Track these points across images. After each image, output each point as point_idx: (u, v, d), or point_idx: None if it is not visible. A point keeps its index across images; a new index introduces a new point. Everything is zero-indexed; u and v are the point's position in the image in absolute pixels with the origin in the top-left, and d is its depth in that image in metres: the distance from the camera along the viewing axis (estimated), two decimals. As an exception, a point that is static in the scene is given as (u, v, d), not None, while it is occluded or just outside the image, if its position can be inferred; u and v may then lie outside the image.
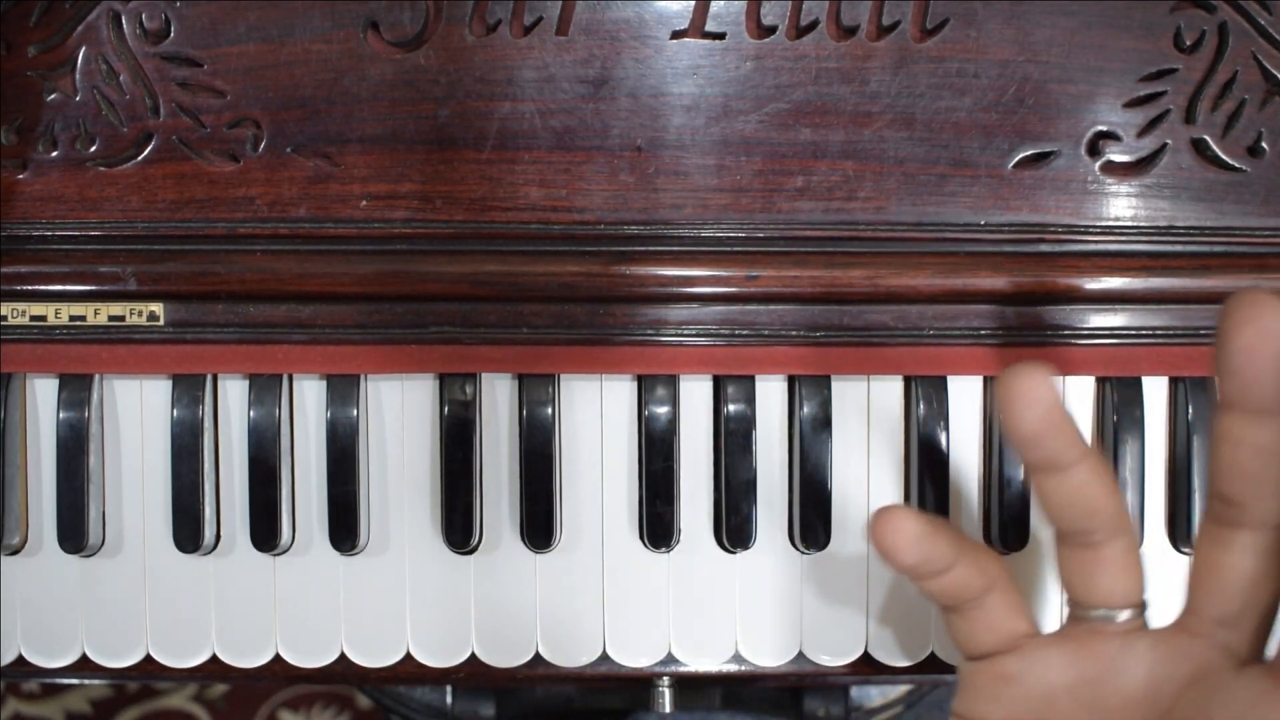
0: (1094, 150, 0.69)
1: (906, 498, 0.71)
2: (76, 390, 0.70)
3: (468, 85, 0.68)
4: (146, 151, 0.69)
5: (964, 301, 0.69)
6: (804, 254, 0.69)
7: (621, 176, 0.69)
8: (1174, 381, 0.72)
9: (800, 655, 0.72)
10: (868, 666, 0.73)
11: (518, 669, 0.72)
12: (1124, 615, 0.56)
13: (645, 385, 0.70)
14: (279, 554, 0.71)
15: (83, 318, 0.69)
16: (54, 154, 0.69)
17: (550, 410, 0.70)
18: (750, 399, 0.70)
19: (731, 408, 0.70)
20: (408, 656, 0.72)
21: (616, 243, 0.69)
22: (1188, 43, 0.68)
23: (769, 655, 0.72)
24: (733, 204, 0.69)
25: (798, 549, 0.71)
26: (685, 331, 0.69)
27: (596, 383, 0.71)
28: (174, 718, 1.61)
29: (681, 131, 0.68)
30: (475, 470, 0.70)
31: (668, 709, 0.76)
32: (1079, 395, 0.72)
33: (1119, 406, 0.70)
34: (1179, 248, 0.70)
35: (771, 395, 0.71)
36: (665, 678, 0.75)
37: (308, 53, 0.68)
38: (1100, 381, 0.72)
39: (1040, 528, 0.72)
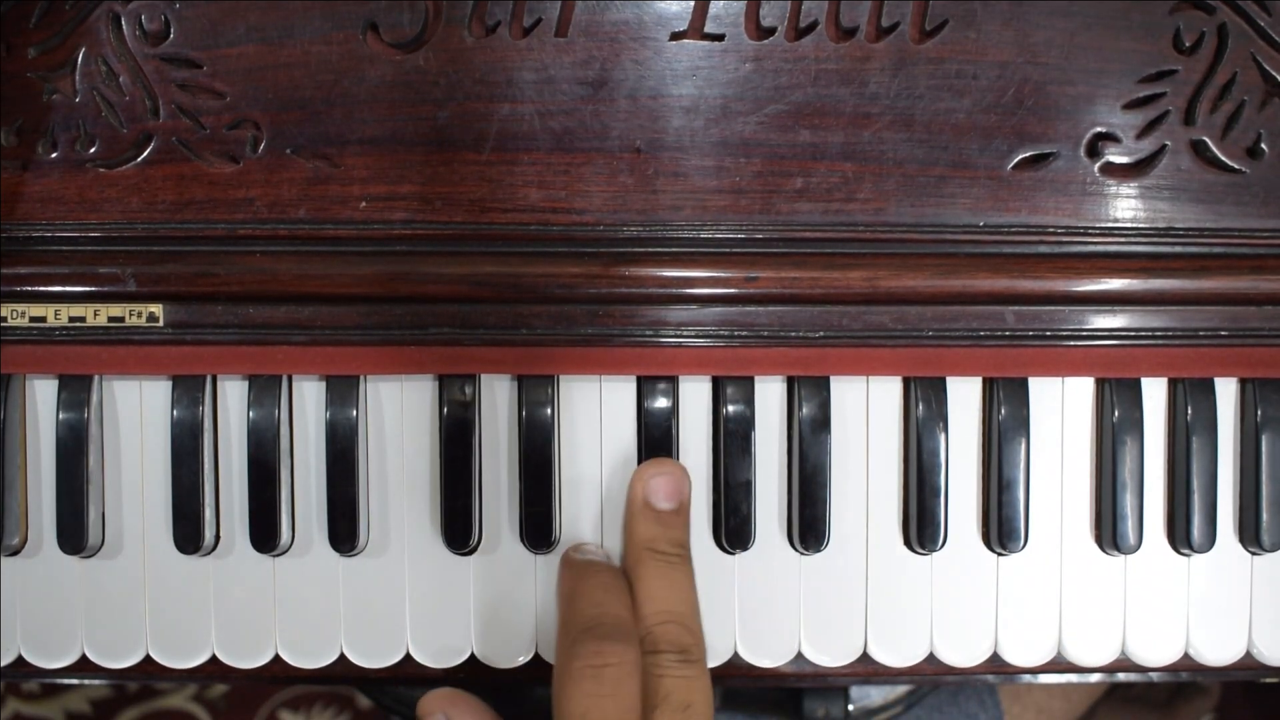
0: (1093, 152, 0.69)
1: (905, 498, 0.72)
2: (76, 391, 0.70)
3: (467, 87, 0.68)
4: (146, 153, 0.69)
5: (963, 303, 0.69)
6: (803, 255, 0.69)
7: (621, 178, 0.69)
8: (1173, 383, 0.72)
9: (799, 656, 0.72)
10: (867, 666, 0.73)
11: (518, 670, 0.72)
12: None
13: (645, 386, 0.70)
14: (278, 555, 0.71)
15: (82, 319, 0.69)
16: (54, 155, 0.69)
17: (550, 411, 0.70)
18: (749, 400, 0.70)
19: (731, 409, 0.70)
20: (407, 657, 0.72)
21: (616, 244, 0.69)
22: (1187, 44, 0.68)
23: (768, 655, 0.72)
24: (732, 205, 0.69)
25: (796, 550, 0.71)
26: (684, 332, 0.69)
27: (596, 384, 0.71)
28: (174, 718, 1.61)
29: (681, 133, 0.68)
30: (474, 471, 0.70)
31: (667, 709, 0.76)
32: (1077, 396, 0.72)
33: (1118, 407, 0.70)
34: (1178, 249, 0.70)
35: (770, 396, 0.71)
36: (664, 678, 0.75)
37: (307, 54, 0.68)
38: (1099, 383, 0.72)
39: (1037, 528, 0.72)
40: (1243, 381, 0.72)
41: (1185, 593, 0.72)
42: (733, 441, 0.70)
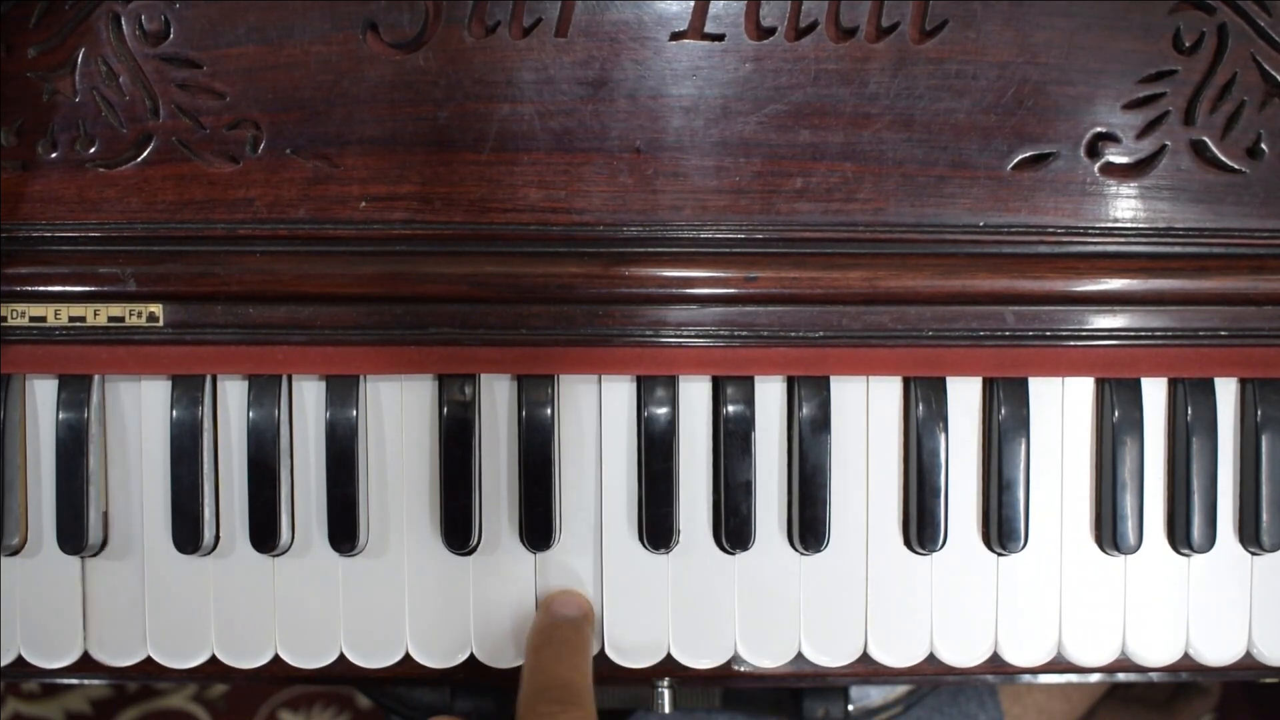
0: (1093, 152, 0.69)
1: (905, 498, 0.72)
2: (76, 391, 0.70)
3: (467, 87, 0.68)
4: (146, 153, 0.69)
5: (963, 303, 0.69)
6: (803, 255, 0.69)
7: (621, 178, 0.69)
8: (1173, 383, 0.72)
9: (800, 656, 0.72)
10: (867, 667, 0.73)
11: (517, 670, 0.72)
12: None
13: (644, 386, 0.70)
14: (278, 555, 0.71)
15: (82, 319, 0.69)
16: (54, 155, 0.69)
17: (549, 411, 0.70)
18: (749, 400, 0.70)
19: (731, 409, 0.70)
20: (407, 657, 0.72)
21: (616, 244, 0.69)
22: (1187, 44, 0.68)
23: (768, 656, 0.72)
24: (732, 205, 0.69)
25: (797, 550, 0.71)
26: (684, 332, 0.69)
27: (596, 384, 0.71)
28: (174, 718, 1.61)
29: (680, 133, 0.68)
30: (474, 471, 0.70)
31: (667, 709, 0.76)
32: (1077, 397, 0.72)
33: (1118, 408, 0.70)
34: (1178, 249, 0.70)
35: (770, 396, 0.71)
36: (665, 678, 0.75)
37: (307, 54, 0.68)
38: (1099, 383, 0.72)
39: (1037, 528, 0.72)
40: (1243, 382, 0.72)
41: (1185, 593, 0.72)
42: (733, 441, 0.70)
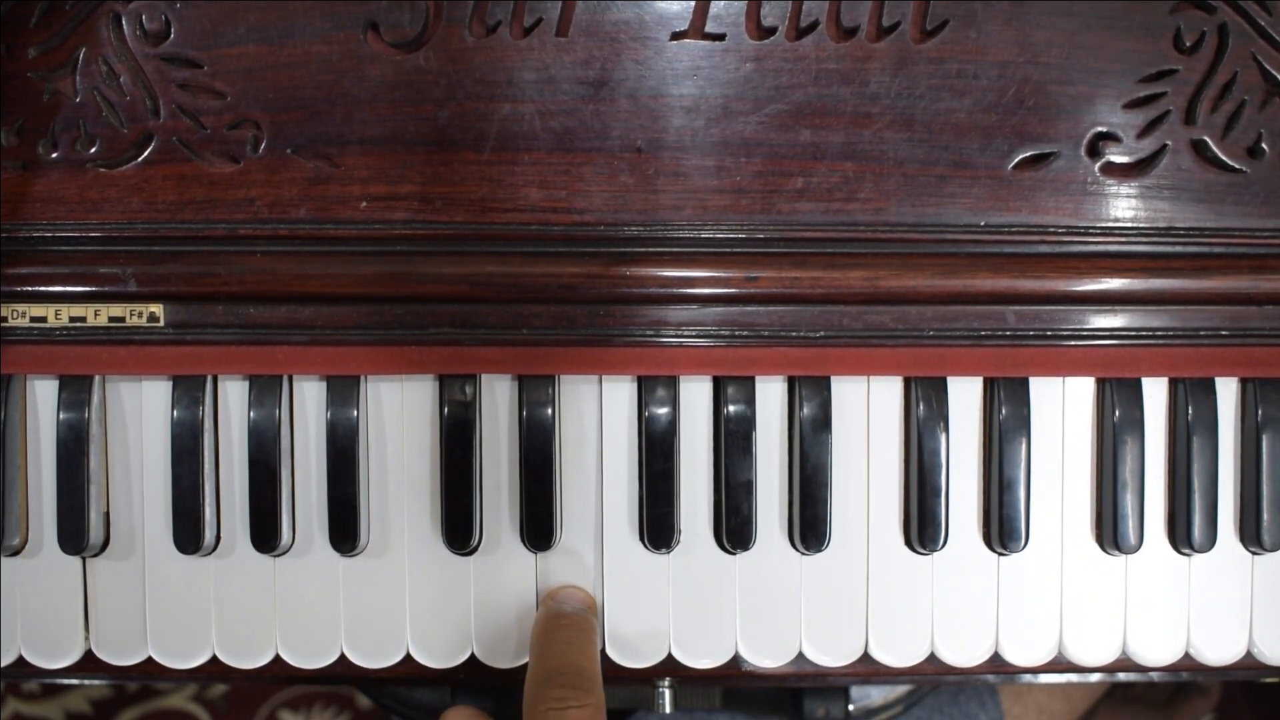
0: (1094, 151, 0.69)
1: (906, 498, 0.72)
2: (76, 391, 0.70)
3: (468, 86, 0.68)
4: (147, 153, 0.69)
5: (964, 302, 0.69)
6: (803, 255, 0.69)
7: (621, 178, 0.69)
8: (1174, 382, 0.72)
9: (800, 656, 0.72)
10: (868, 666, 0.73)
11: (518, 669, 0.72)
12: None
13: (645, 386, 0.70)
14: (279, 555, 0.71)
15: (83, 319, 0.69)
16: (54, 155, 0.69)
17: (550, 411, 0.70)
18: (750, 400, 0.70)
19: (731, 408, 0.70)
20: (407, 657, 0.72)
21: (616, 244, 0.69)
22: (1187, 44, 0.68)
23: (769, 656, 0.72)
24: (732, 205, 0.69)
25: (797, 550, 0.71)
26: (685, 332, 0.69)
27: (596, 384, 0.71)
28: (174, 718, 1.61)
29: (681, 133, 0.68)
30: (475, 471, 0.70)
31: (668, 709, 0.76)
32: (1078, 396, 0.72)
33: (1119, 407, 0.70)
34: (1179, 249, 0.70)
35: (771, 396, 0.71)
36: (666, 678, 0.75)
37: (308, 54, 0.68)
38: (1100, 382, 0.72)
39: (1038, 527, 0.72)
40: (1243, 381, 0.72)
41: (1186, 592, 0.72)
42: (734, 441, 0.70)
